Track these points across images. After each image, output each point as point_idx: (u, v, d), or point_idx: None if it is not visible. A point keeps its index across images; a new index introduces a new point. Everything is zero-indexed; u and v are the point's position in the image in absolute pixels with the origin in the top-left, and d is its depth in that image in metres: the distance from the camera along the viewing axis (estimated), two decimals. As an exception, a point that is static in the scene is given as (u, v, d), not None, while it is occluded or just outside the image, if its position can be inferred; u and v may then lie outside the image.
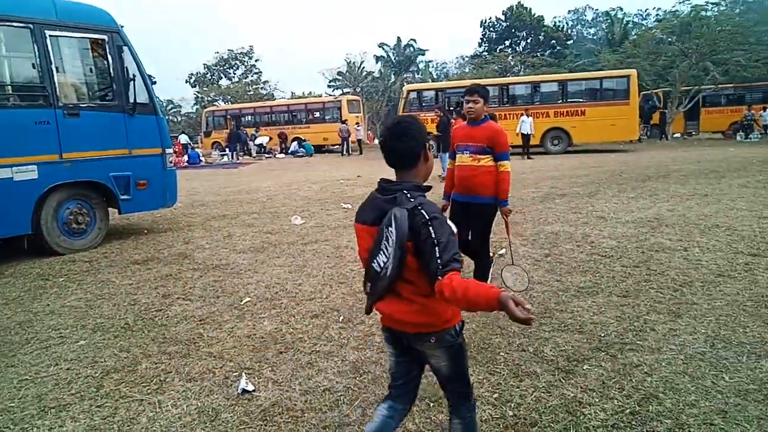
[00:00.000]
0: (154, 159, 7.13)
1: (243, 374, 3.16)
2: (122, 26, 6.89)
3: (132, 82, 6.67)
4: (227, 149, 26.69)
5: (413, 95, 22.11)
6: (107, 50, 6.67)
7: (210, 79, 51.77)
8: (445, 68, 57.27)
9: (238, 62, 52.37)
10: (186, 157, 23.89)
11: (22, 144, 5.91)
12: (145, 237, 7.29)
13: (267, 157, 26.28)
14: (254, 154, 27.14)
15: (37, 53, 6.03)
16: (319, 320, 4.02)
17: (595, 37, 55.77)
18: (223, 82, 51.65)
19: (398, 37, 51.55)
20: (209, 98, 46.88)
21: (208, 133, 31.44)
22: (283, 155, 26.81)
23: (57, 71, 6.20)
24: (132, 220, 8.55)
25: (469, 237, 4.18)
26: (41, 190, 6.06)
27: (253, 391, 3.00)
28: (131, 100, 6.72)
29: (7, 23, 5.95)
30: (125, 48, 6.78)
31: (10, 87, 6.20)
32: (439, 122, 12.59)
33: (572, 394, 2.83)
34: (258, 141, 27.57)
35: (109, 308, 4.48)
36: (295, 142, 27.37)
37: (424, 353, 1.98)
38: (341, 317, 4.05)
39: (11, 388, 3.15)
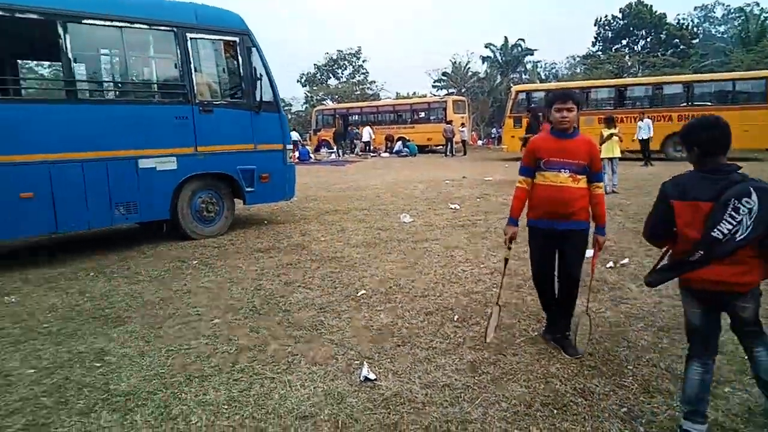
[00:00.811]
0: (276, 154, 7.57)
1: (364, 363, 3.27)
2: None
3: (259, 81, 7.13)
4: (334, 147, 27.63)
5: (522, 96, 21.53)
6: (238, 51, 7.18)
7: (319, 79, 53.87)
8: (554, 69, 55.11)
9: (346, 62, 54.04)
10: (297, 154, 25.06)
11: (164, 137, 6.53)
12: (265, 228, 7.78)
13: (372, 156, 26.87)
14: (359, 153, 27.87)
15: (179, 54, 6.64)
16: (434, 317, 4.06)
17: (725, 36, 50.98)
18: (332, 81, 53.55)
19: (505, 37, 50.42)
20: (318, 97, 48.80)
21: (317, 131, 32.73)
22: (387, 154, 27.28)
23: (195, 71, 6.78)
24: (252, 211, 9.13)
25: (557, 272, 3.46)
26: (179, 179, 6.66)
27: (375, 379, 3.10)
28: (258, 99, 7.18)
29: (156, 27, 6.59)
30: (254, 49, 7.26)
31: (155, 85, 6.88)
32: (528, 125, 12.38)
33: (712, 417, 2.62)
34: (365, 135, 28.18)
35: (237, 291, 4.83)
36: (400, 142, 27.71)
37: (735, 306, 2.36)
38: (456, 316, 4.06)
39: (161, 357, 3.50)
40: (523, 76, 50.96)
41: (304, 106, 50.09)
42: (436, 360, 3.35)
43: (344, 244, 6.52)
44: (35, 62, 8.74)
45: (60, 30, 5.73)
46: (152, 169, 6.38)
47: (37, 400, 2.98)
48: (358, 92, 48.65)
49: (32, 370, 3.35)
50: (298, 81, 54.25)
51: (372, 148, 28.52)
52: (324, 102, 46.06)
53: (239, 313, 4.28)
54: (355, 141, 28.54)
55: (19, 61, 7.62)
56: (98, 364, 3.41)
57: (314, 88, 51.92)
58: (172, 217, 6.75)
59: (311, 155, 25.89)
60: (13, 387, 3.14)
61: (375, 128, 29.43)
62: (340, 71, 54.47)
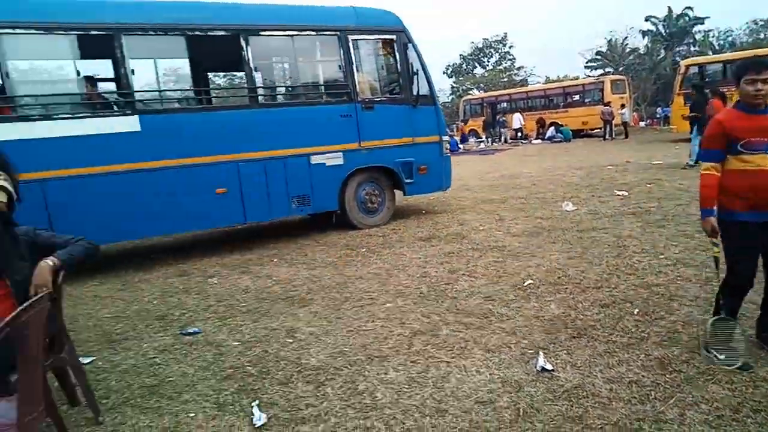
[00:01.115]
0: (433, 146, 7.72)
1: (539, 353, 3.22)
2: None
3: (415, 76, 7.32)
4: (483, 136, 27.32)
5: (693, 70, 19.24)
6: (395, 48, 7.43)
7: (465, 69, 53.53)
8: (730, 37, 48.12)
9: (492, 50, 52.99)
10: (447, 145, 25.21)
11: (332, 135, 7.01)
12: (424, 217, 7.99)
13: (523, 143, 26.08)
14: (508, 140, 27.20)
15: (342, 56, 7.06)
16: (611, 310, 3.85)
17: None
18: (478, 71, 52.89)
19: (669, 8, 45.30)
20: (464, 87, 48.54)
21: (465, 121, 32.60)
22: (539, 141, 26.26)
23: (357, 71, 7.16)
24: (409, 201, 9.42)
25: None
26: (345, 173, 7.12)
27: (552, 370, 3.04)
28: (414, 93, 7.38)
29: (322, 32, 7.08)
30: (410, 45, 7.45)
31: (322, 87, 7.40)
32: (693, 102, 11.02)
33: None
34: (515, 122, 27.43)
35: (405, 278, 5.04)
36: (552, 128, 26.49)
37: None
38: (636, 310, 3.80)
39: (342, 337, 3.80)
40: (692, 48, 45.46)
41: (450, 98, 50.18)
42: (618, 354, 3.18)
43: (504, 233, 6.44)
44: (222, 74, 9.94)
45: (243, 43, 6.43)
46: (322, 164, 6.90)
47: (244, 368, 3.40)
48: (505, 79, 47.43)
49: (237, 343, 3.84)
50: (443, 72, 54.48)
51: (522, 135, 27.67)
52: (470, 92, 45.65)
53: (408, 299, 4.46)
54: (502, 129, 27.92)
55: (210, 74, 8.71)
56: (290, 341, 3.80)
57: (460, 78, 51.71)
58: (340, 208, 7.25)
59: (460, 146, 25.87)
60: (224, 356, 3.62)
61: (525, 114, 28.47)
62: (485, 59, 53.56)
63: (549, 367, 3.07)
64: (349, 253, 6.19)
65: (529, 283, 4.55)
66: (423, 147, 7.59)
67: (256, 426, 2.70)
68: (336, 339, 3.76)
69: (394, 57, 7.47)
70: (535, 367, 3.09)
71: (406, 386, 3.01)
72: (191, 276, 5.83)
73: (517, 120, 27.68)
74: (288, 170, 6.70)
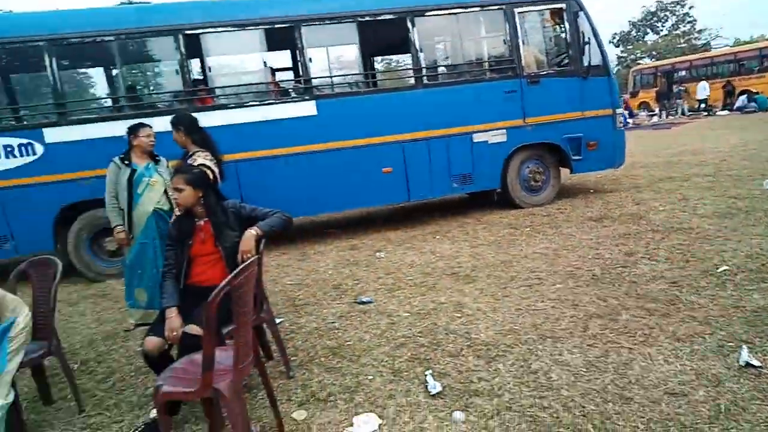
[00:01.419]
0: (605, 120, 7.17)
1: (743, 346, 2.86)
2: None
3: (587, 45, 6.83)
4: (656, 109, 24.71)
5: None
6: (564, 18, 7.01)
7: (634, 37, 48.70)
8: None
9: (667, 13, 47.40)
10: (621, 118, 23.27)
11: (495, 111, 6.86)
12: (593, 196, 7.50)
13: (705, 115, 23.08)
14: (687, 113, 24.26)
15: (508, 31, 6.84)
16: (835, 303, 3.27)
17: None
18: (649, 37, 47.76)
19: None
20: (633, 57, 44.24)
21: (635, 94, 29.73)
22: (726, 112, 23.02)
23: (522, 44, 6.89)
24: (574, 180, 8.91)
25: None
26: (508, 151, 6.95)
27: (760, 367, 2.68)
28: (585, 64, 6.90)
29: (487, 8, 6.92)
30: (581, 13, 6.96)
31: (487, 63, 7.26)
32: None
33: None
34: (700, 91, 24.35)
35: (574, 258, 4.80)
36: (743, 96, 23.00)
37: None
38: None
39: (511, 314, 3.75)
40: None
41: (617, 68, 46.09)
42: None
43: (690, 213, 5.79)
44: (388, 57, 10.27)
45: (409, 24, 6.55)
46: (485, 142, 6.81)
47: (415, 339, 3.53)
48: (684, 45, 42.16)
49: (407, 314, 3.99)
50: (610, 42, 50.15)
51: (706, 106, 24.47)
52: (641, 61, 41.46)
53: (580, 281, 4.25)
54: (678, 100, 24.92)
55: (376, 58, 9.05)
56: (458, 315, 3.85)
57: (629, 47, 47.19)
58: (502, 186, 7.11)
59: (629, 120, 23.71)
60: (396, 326, 3.79)
61: (711, 82, 25.08)
62: (659, 24, 48.11)
63: (756, 363, 2.71)
64: (512, 232, 6.06)
65: (724, 269, 4.04)
66: (593, 121, 7.09)
67: (431, 393, 2.79)
68: (504, 316, 3.72)
69: (563, 27, 7.05)
70: (738, 361, 2.75)
71: (584, 369, 2.88)
72: (360, 250, 6.17)
73: (702, 89, 24.46)
74: (450, 149, 6.74)
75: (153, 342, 2.72)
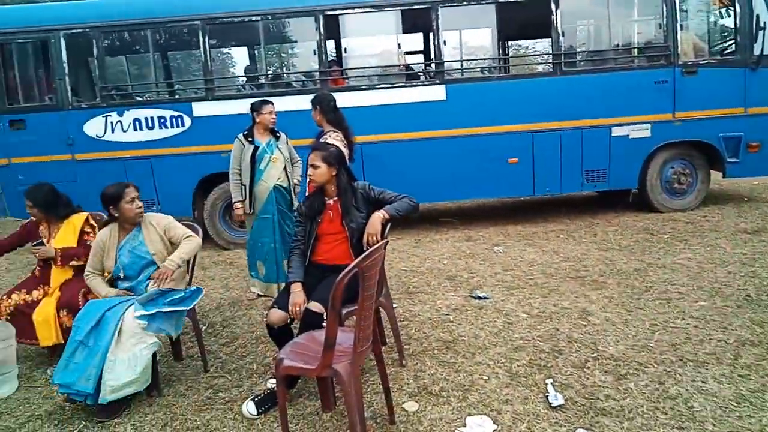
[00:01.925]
0: (773, 119, 6.26)
1: None
2: None
3: (761, 31, 5.97)
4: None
5: None
6: (736, -2, 6.15)
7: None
8: None
9: None
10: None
11: (640, 103, 6.25)
12: (747, 205, 6.64)
13: None
14: None
15: (664, 13, 6.16)
16: None
17: None
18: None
19: None
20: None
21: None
22: None
23: (681, 29, 6.19)
24: (725, 185, 7.95)
25: None
26: (651, 148, 6.32)
27: None
28: (756, 53, 6.05)
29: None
30: (758, -10, 6.08)
31: (635, 50, 6.64)
32: None
33: None
34: None
35: (723, 274, 4.26)
36: None
37: None
38: None
39: (645, 329, 3.40)
40: None
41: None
42: None
43: None
44: (522, 40, 9.83)
45: (553, 6, 6.14)
46: (625, 137, 6.25)
47: (534, 342, 3.33)
48: None
49: (526, 315, 3.78)
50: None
51: None
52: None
53: (729, 300, 3.75)
54: None
55: (510, 42, 8.68)
56: (583, 323, 3.57)
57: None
58: (639, 186, 6.52)
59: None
60: (514, 326, 3.60)
61: None
62: None
63: None
64: (648, 237, 5.53)
65: None
66: (758, 119, 6.20)
67: (552, 405, 2.60)
68: (637, 331, 3.38)
69: (733, 9, 6.20)
70: None
71: (734, 403, 2.52)
72: (477, 242, 6.00)
73: None
74: (585, 142, 6.26)
75: (276, 315, 2.81)
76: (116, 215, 3.06)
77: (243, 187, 4.38)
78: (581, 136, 6.25)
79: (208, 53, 6.21)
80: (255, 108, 4.39)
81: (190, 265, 3.28)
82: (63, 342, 3.21)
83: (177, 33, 6.86)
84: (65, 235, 3.43)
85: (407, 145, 6.26)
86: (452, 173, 6.33)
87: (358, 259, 2.15)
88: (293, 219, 4.55)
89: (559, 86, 6.24)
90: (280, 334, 2.85)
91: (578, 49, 7.01)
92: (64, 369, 2.62)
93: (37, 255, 3.36)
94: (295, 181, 4.56)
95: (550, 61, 6.47)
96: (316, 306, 2.71)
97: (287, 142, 4.52)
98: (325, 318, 2.75)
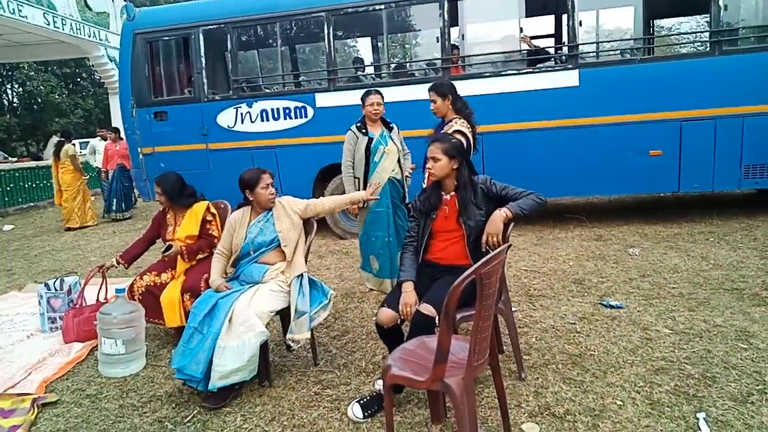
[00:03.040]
0: None
1: None
2: None
3: None
4: None
5: None
6: None
7: None
8: None
9: None
10: None
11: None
12: None
13: None
14: None
15: None
16: None
17: None
18: None
19: None
20: None
21: None
22: None
23: None
24: None
25: None
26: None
27: None
28: None
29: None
30: None
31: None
32: None
33: None
34: None
35: None
36: None
37: None
38: None
39: (828, 362, 2.78)
40: None
41: None
42: None
43: None
44: (669, 18, 8.77)
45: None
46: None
47: (681, 365, 2.86)
48: None
49: (669, 331, 3.29)
50: None
51: None
52: None
53: None
54: None
55: (655, 21, 7.76)
56: (743, 346, 3.02)
57: None
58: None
59: None
60: (653, 343, 3.14)
61: None
62: None
63: None
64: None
65: None
66: None
67: (705, 446, 2.18)
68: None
69: None
70: None
71: None
72: (608, 242, 5.44)
73: None
74: (746, 131, 5.40)
75: (386, 314, 2.66)
76: (251, 199, 3.12)
77: (356, 180, 4.30)
78: (742, 124, 5.39)
79: (332, 44, 6.26)
80: (362, 99, 4.30)
81: (307, 249, 3.25)
82: (185, 325, 3.37)
83: (303, 25, 7.01)
84: (189, 223, 3.58)
85: (533, 135, 5.83)
86: (584, 166, 5.80)
87: (477, 264, 1.92)
88: (405, 212, 4.42)
89: (715, 68, 5.42)
90: (390, 335, 2.71)
91: (741, 24, 6.05)
92: (181, 354, 2.70)
93: (167, 259, 3.54)
94: (407, 173, 4.39)
95: (706, 39, 5.63)
96: (427, 309, 2.53)
97: (398, 133, 4.37)
98: (437, 323, 2.57)
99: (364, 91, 4.30)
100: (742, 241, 5.07)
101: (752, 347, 2.99)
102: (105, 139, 10.05)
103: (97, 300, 3.87)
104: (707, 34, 5.66)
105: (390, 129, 4.31)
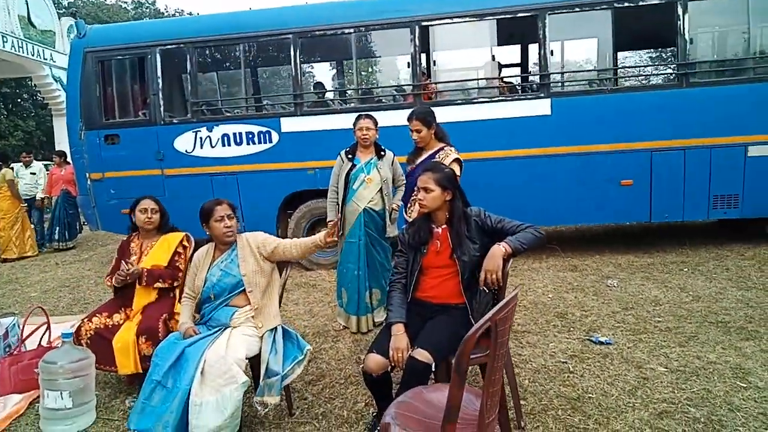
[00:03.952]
0: None
1: None
2: None
3: None
4: None
5: None
6: None
7: None
8: None
9: None
10: None
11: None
12: None
13: None
14: None
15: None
16: None
17: None
18: None
19: None
20: None
21: None
22: None
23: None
24: None
25: None
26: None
27: None
28: None
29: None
30: None
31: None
32: None
33: None
34: None
35: None
36: None
37: None
38: None
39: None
40: None
41: None
42: None
43: None
44: (636, 49, 8.97)
45: (680, 10, 5.41)
46: (764, 158, 5.39)
47: (683, 407, 2.69)
48: None
49: (664, 369, 3.14)
50: None
51: None
52: None
53: None
54: None
55: (622, 52, 7.86)
56: (742, 384, 2.88)
57: None
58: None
59: None
60: (651, 383, 2.97)
61: None
62: None
63: None
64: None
65: None
66: None
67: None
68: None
69: None
70: None
71: None
72: (584, 273, 5.35)
73: None
74: (714, 163, 5.46)
75: (376, 361, 2.38)
76: (208, 233, 2.79)
77: (338, 206, 4.05)
78: (710, 155, 5.45)
79: (299, 67, 6.02)
80: (353, 124, 4.08)
81: (282, 288, 2.94)
82: (141, 371, 2.97)
83: (268, 47, 6.76)
84: (159, 252, 3.23)
85: (505, 164, 5.73)
86: (556, 195, 5.72)
87: (492, 311, 1.68)
88: (384, 245, 4.17)
89: (684, 99, 5.49)
90: (379, 384, 2.43)
91: (709, 58, 6.19)
92: (140, 413, 2.31)
93: (125, 273, 3.12)
94: (394, 206, 4.14)
95: (675, 71, 5.71)
96: (422, 354, 2.27)
97: (393, 162, 4.12)
98: (433, 369, 2.31)
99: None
100: (715, 271, 5.06)
101: (752, 386, 2.87)
102: (27, 165, 9.32)
103: (39, 344, 3.41)
104: (675, 67, 5.74)
105: (381, 156, 4.08)
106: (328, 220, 4.13)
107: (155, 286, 3.18)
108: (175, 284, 3.24)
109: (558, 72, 6.01)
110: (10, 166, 8.60)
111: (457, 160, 3.40)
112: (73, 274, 6.92)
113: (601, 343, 3.56)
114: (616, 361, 3.28)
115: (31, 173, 9.22)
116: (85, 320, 3.12)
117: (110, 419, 2.94)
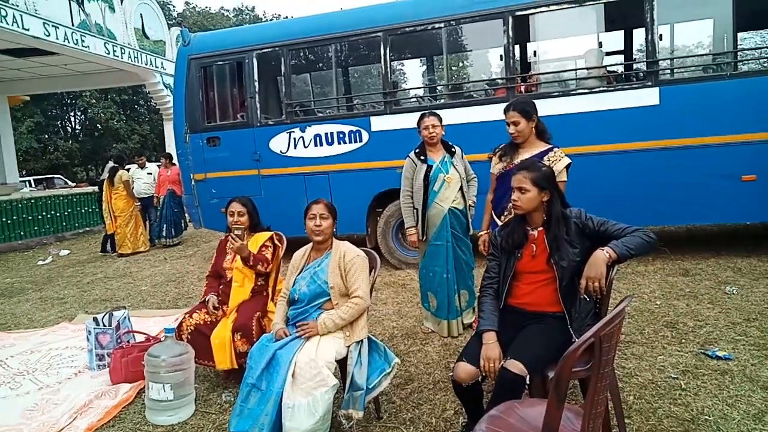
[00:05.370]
0: None
1: None
2: None
3: None
4: None
5: None
6: None
7: None
8: None
9: None
10: None
11: None
12: None
13: None
14: None
15: None
16: None
17: None
18: None
19: None
20: None
21: None
22: None
23: None
24: None
25: None
26: None
27: None
28: None
29: None
30: None
31: None
32: None
33: None
34: None
35: None
36: None
37: None
38: None
39: None
40: None
41: None
42: None
43: None
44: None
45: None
46: None
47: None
48: None
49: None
50: None
51: None
52: None
53: None
54: None
55: (744, 33, 7.12)
56: None
57: None
58: None
59: None
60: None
61: None
62: None
63: None
64: None
65: None
66: None
67: None
68: None
69: None
70: None
71: None
72: (697, 278, 4.87)
73: None
74: None
75: (465, 370, 2.27)
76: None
77: (416, 210, 3.94)
78: None
79: (388, 65, 6.01)
80: (417, 123, 3.97)
81: (370, 289, 2.91)
82: (236, 368, 3.08)
83: (358, 46, 6.81)
84: (251, 248, 3.34)
85: (609, 159, 5.34)
86: (665, 192, 5.25)
87: (597, 326, 1.52)
88: (469, 245, 4.03)
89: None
90: (469, 394, 2.32)
91: None
92: (239, 415, 2.37)
93: (233, 247, 3.24)
94: (470, 202, 3.99)
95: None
96: (515, 366, 2.12)
97: (462, 157, 3.98)
98: (527, 382, 2.16)
99: (417, 113, 3.97)
100: None
101: None
102: (142, 167, 10.04)
103: (147, 338, 3.65)
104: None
105: (452, 153, 3.95)
106: (407, 226, 4.02)
107: (258, 268, 3.28)
108: (268, 269, 3.33)
109: (667, 58, 5.50)
110: (126, 168, 9.33)
111: (568, 166, 3.13)
112: (178, 269, 7.39)
113: (719, 358, 3.20)
114: (737, 380, 2.93)
115: (147, 173, 9.98)
116: (186, 316, 3.28)
117: (207, 412, 3.06)
